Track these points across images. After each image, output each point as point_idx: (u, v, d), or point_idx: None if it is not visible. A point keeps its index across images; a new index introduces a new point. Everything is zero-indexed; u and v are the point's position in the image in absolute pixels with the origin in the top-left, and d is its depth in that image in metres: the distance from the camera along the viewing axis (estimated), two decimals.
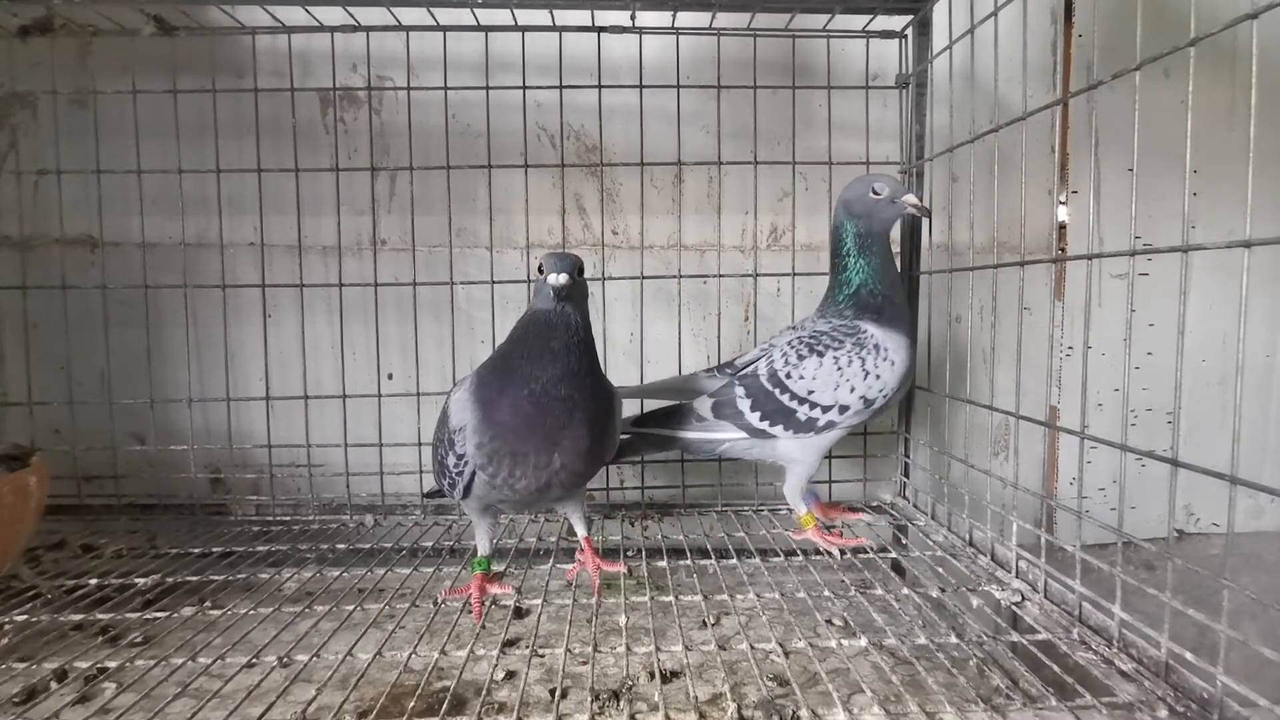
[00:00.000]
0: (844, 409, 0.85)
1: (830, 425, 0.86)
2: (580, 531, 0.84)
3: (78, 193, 1.06)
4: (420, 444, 1.07)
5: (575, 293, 0.71)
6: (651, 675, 0.66)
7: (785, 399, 0.87)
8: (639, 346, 1.11)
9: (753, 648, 0.66)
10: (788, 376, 0.87)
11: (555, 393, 0.70)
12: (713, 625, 0.76)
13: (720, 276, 1.11)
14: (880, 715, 0.55)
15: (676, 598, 0.76)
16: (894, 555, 0.92)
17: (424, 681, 0.63)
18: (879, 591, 0.78)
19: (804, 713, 0.56)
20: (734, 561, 0.86)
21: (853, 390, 0.85)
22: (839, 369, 0.85)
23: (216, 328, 1.07)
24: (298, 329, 1.06)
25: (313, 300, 1.08)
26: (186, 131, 1.05)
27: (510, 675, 0.71)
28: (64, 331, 1.07)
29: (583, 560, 0.84)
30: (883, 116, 1.11)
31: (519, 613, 0.79)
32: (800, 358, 0.87)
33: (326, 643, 0.68)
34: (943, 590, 0.77)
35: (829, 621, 0.78)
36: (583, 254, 1.13)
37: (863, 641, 0.67)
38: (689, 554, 0.89)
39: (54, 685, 0.64)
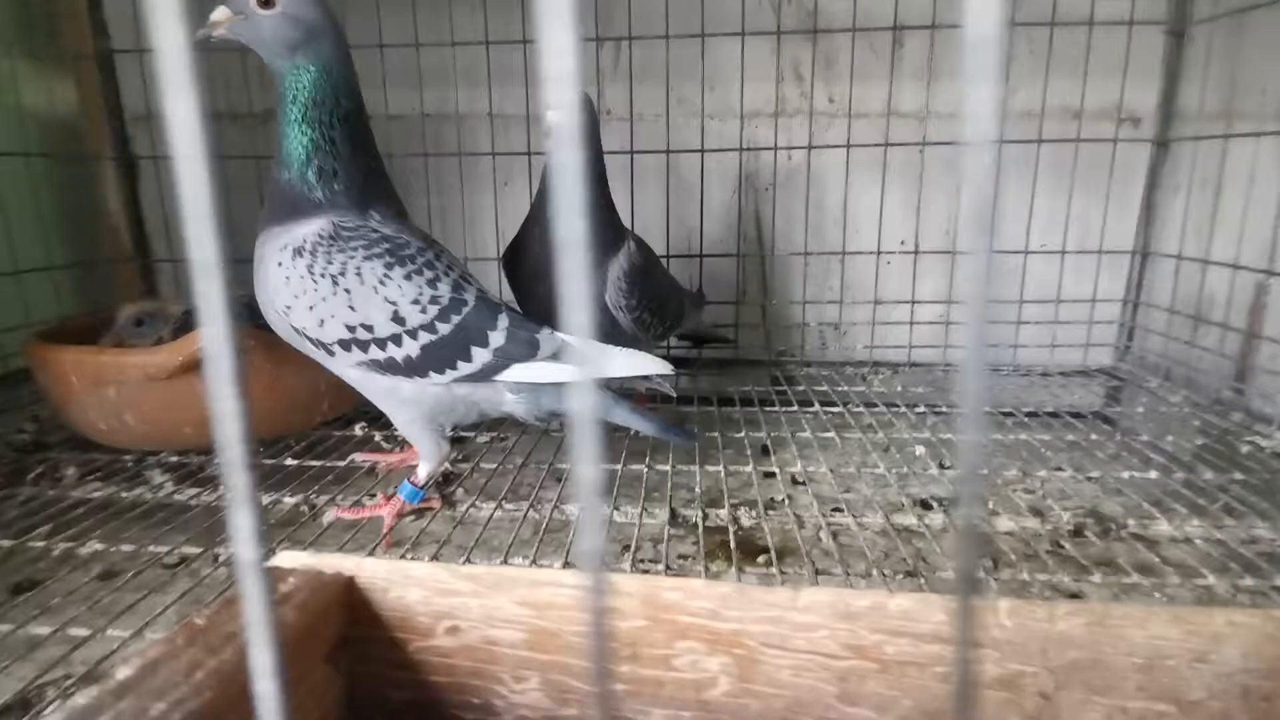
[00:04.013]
0: None
1: None
2: None
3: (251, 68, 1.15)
4: None
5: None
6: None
7: None
8: (848, 216, 1.14)
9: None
10: None
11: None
12: None
13: (925, 145, 1.12)
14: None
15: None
16: (1107, 412, 0.95)
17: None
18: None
19: (1130, 521, 0.61)
20: None
21: None
22: None
23: (456, 193, 1.16)
24: (527, 196, 1.14)
25: (538, 168, 1.15)
26: (423, 4, 1.11)
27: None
28: None
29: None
30: None
31: None
32: None
33: None
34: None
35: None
36: (799, 122, 1.16)
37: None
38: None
39: None
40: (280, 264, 0.64)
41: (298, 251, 0.63)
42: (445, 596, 0.30)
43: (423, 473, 0.71)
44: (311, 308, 0.63)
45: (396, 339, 0.63)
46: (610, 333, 0.81)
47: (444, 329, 0.64)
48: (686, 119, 1.15)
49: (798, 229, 1.18)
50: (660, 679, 0.30)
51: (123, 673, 0.23)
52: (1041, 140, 1.08)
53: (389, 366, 0.64)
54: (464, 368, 0.64)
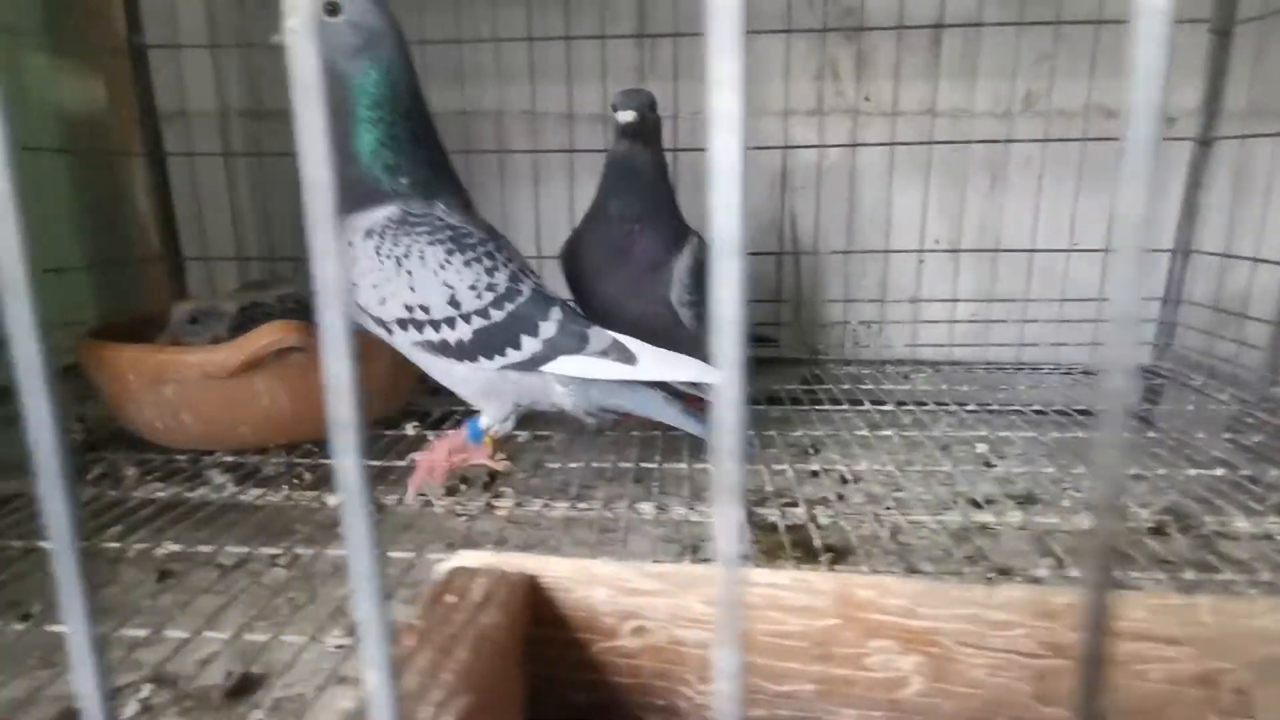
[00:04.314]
0: None
1: None
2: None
3: None
4: None
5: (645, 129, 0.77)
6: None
7: None
8: (885, 214, 1.14)
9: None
10: None
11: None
12: None
13: (970, 143, 1.12)
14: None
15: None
16: (1158, 409, 0.95)
17: None
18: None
19: (1208, 518, 0.61)
20: None
21: None
22: None
23: (494, 191, 1.15)
24: (566, 193, 1.13)
25: (581, 165, 1.14)
26: (467, 3, 1.11)
27: None
28: None
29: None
30: None
31: None
32: None
33: None
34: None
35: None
36: (835, 120, 1.16)
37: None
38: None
39: None
40: (351, 244, 0.67)
41: (368, 234, 0.66)
42: (631, 596, 0.30)
43: (484, 421, 0.72)
44: (375, 286, 0.66)
45: (450, 322, 0.65)
46: (672, 329, 0.81)
47: (497, 315, 0.66)
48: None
49: (833, 227, 1.18)
50: (851, 678, 0.30)
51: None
52: (1086, 139, 1.09)
53: (442, 348, 0.66)
54: (513, 355, 0.66)
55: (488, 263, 0.67)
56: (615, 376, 0.66)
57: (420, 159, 0.68)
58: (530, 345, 0.66)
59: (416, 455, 0.73)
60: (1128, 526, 0.66)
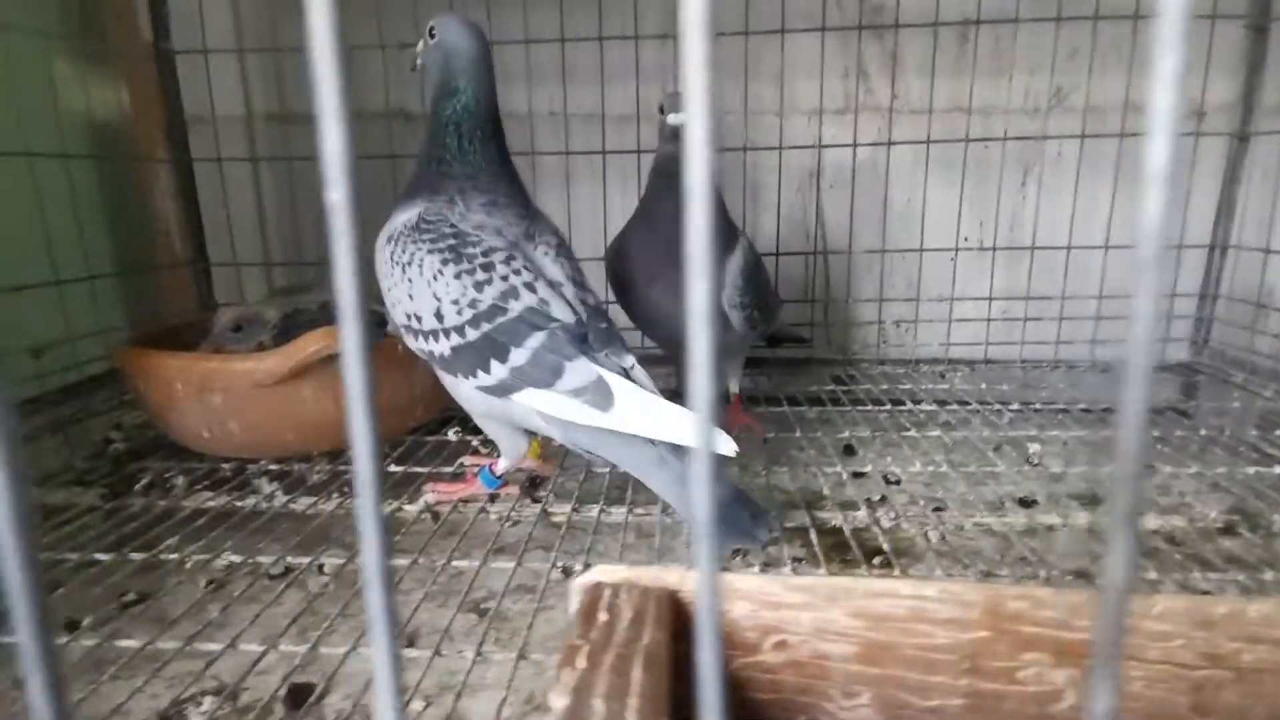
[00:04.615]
0: None
1: None
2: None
3: (391, 68, 1.13)
4: None
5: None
6: None
7: None
8: (920, 211, 1.13)
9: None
10: None
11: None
12: None
13: (1005, 139, 1.11)
14: None
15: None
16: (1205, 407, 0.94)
17: None
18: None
19: (1276, 517, 0.60)
20: None
21: None
22: None
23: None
24: (597, 194, 1.12)
25: (611, 166, 1.13)
26: (496, 3, 1.10)
27: None
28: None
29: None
30: None
31: None
32: None
33: None
34: None
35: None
36: (866, 118, 1.15)
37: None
38: None
39: None
40: (379, 248, 0.68)
41: (389, 239, 0.67)
42: (774, 610, 0.29)
43: (500, 466, 0.72)
44: (388, 290, 0.67)
45: (434, 335, 0.63)
46: (721, 331, 0.80)
47: (472, 335, 0.61)
48: (754, 116, 1.14)
49: (865, 226, 1.17)
50: (1001, 693, 0.29)
51: (559, 703, 0.21)
52: (1122, 134, 1.08)
53: (430, 359, 0.65)
54: (483, 378, 0.62)
55: (481, 275, 0.62)
56: (579, 420, 0.58)
57: (466, 161, 0.68)
58: (498, 371, 0.60)
59: (437, 485, 0.75)
60: (1198, 527, 0.65)
